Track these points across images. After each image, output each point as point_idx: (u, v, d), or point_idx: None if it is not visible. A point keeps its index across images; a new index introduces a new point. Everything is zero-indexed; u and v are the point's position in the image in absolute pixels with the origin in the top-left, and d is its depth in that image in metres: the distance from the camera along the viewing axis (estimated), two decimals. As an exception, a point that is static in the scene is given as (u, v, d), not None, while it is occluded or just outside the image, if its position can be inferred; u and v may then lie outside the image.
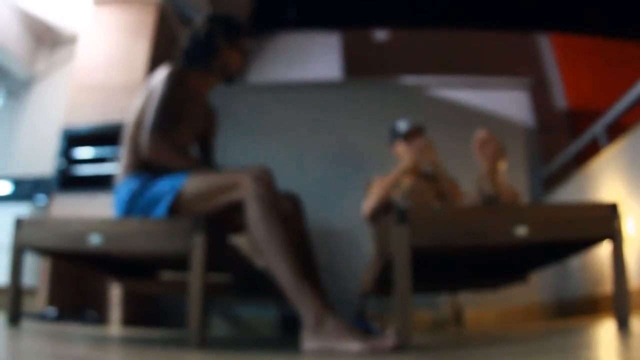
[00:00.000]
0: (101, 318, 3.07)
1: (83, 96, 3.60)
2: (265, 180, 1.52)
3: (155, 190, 1.64)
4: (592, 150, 3.34)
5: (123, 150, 1.78)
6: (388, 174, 2.79)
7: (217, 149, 2.11)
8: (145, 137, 1.64)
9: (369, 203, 2.64)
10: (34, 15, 4.17)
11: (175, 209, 1.61)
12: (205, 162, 2.04)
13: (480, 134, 1.93)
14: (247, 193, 1.51)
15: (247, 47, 1.96)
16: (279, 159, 3.94)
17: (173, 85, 1.72)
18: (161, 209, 1.61)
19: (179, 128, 1.75)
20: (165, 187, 1.63)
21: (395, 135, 2.81)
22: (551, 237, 1.52)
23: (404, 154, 2.73)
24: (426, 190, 2.70)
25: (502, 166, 1.93)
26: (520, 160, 4.07)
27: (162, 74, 1.76)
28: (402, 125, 2.79)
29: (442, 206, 2.57)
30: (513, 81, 4.44)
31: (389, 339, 1.27)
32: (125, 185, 1.70)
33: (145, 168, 1.71)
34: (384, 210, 2.62)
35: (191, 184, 1.60)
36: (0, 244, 2.26)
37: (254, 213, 1.49)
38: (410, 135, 2.76)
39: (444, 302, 3.46)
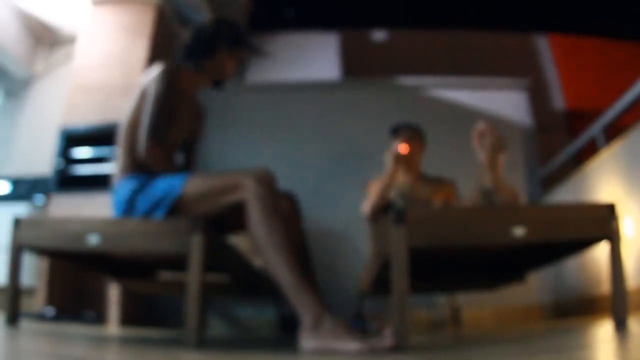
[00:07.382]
0: (99, 318, 3.07)
1: (81, 96, 3.60)
2: (267, 182, 1.53)
3: (154, 192, 1.64)
4: (590, 150, 3.35)
5: (119, 151, 1.78)
6: (383, 175, 2.80)
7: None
8: (142, 140, 1.65)
9: (368, 204, 2.65)
10: (33, 15, 4.16)
11: (176, 210, 1.61)
12: (187, 165, 2.01)
13: (480, 125, 1.92)
14: (249, 194, 1.51)
15: (243, 57, 1.98)
16: (277, 159, 3.94)
17: (166, 84, 1.72)
18: (160, 213, 1.61)
19: (172, 128, 1.76)
20: (164, 189, 1.63)
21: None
22: (549, 237, 1.52)
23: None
24: (422, 190, 2.70)
25: (502, 158, 1.91)
26: (518, 161, 4.07)
27: (154, 72, 1.76)
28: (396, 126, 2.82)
29: (440, 206, 2.58)
30: (511, 82, 4.45)
31: (387, 339, 1.27)
32: (123, 186, 1.70)
33: (143, 168, 1.71)
34: (383, 210, 2.62)
35: (191, 185, 1.61)
36: (-2, 244, 2.26)
37: (255, 214, 1.50)
38: (393, 135, 2.79)
39: (441, 302, 3.46)
